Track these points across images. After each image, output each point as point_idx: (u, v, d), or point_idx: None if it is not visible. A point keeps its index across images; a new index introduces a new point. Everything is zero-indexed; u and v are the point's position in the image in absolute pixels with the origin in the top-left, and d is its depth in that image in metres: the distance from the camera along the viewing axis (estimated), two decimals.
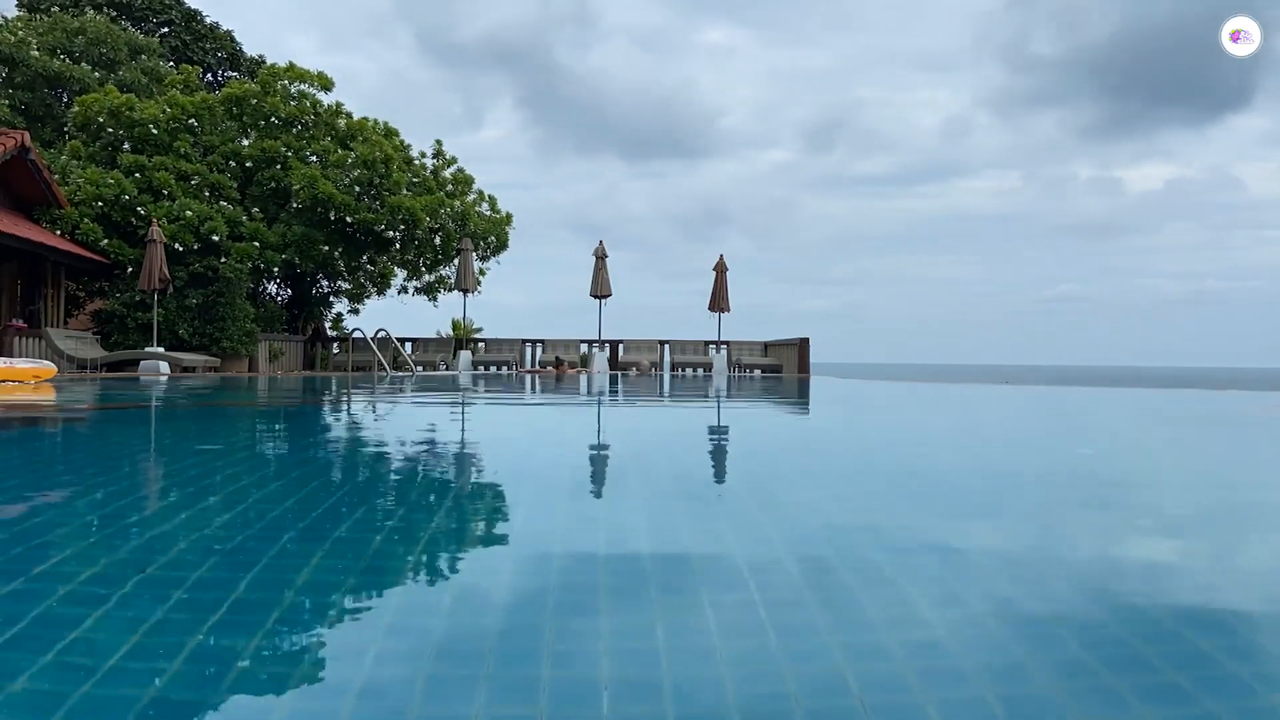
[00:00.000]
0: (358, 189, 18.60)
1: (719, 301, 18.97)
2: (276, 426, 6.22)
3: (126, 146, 18.35)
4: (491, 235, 21.06)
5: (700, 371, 19.20)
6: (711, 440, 5.29)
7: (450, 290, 21.65)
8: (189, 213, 16.83)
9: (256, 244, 17.57)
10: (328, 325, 22.65)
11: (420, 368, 19.00)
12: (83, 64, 22.28)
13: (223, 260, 17.05)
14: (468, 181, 21.13)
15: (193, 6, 28.31)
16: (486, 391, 10.58)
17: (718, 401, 9.01)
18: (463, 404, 8.29)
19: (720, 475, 3.74)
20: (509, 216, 21.66)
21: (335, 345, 20.46)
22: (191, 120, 18.46)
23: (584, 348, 20.33)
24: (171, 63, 25.65)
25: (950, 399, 9.84)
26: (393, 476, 3.50)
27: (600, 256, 19.47)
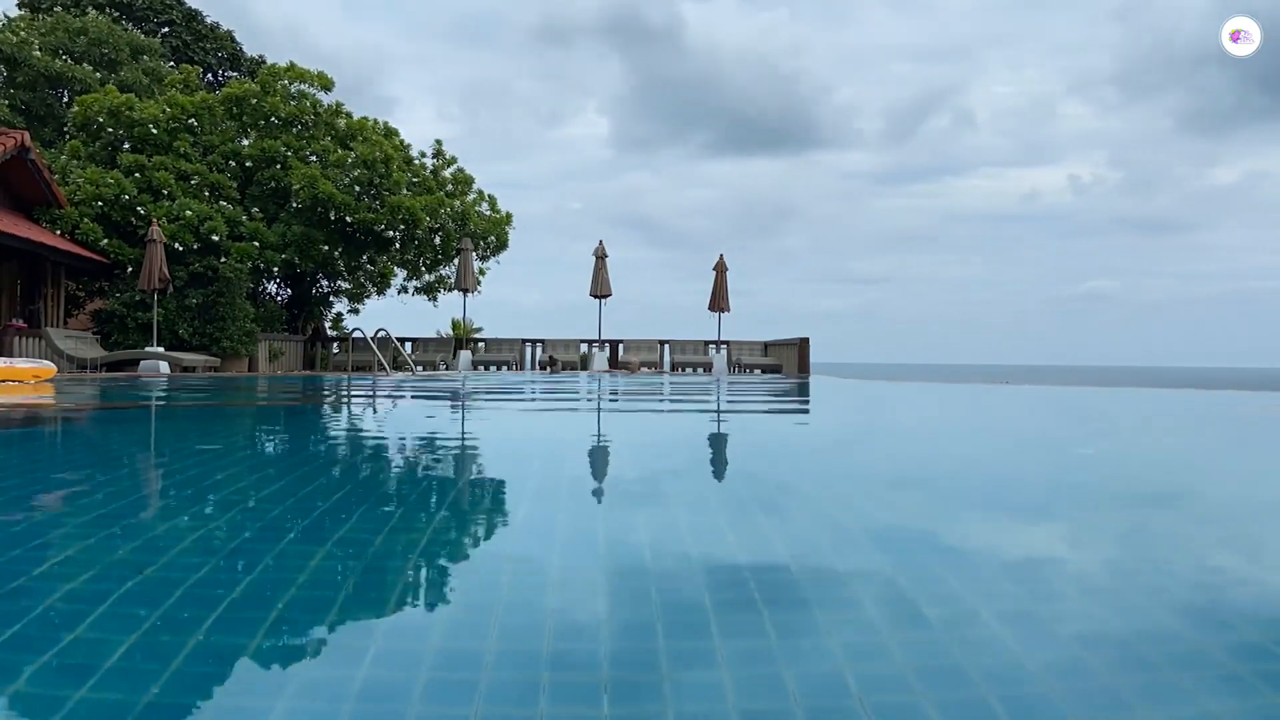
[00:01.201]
0: (358, 189, 18.61)
1: (719, 301, 18.98)
2: (273, 427, 6.22)
3: (126, 146, 18.37)
4: (491, 235, 21.08)
5: (700, 371, 19.20)
6: (718, 445, 5.28)
7: (450, 290, 21.68)
8: (189, 212, 16.84)
9: (256, 244, 17.58)
10: (328, 325, 22.66)
11: (420, 367, 19.01)
12: (84, 64, 22.29)
13: (223, 260, 17.06)
14: (468, 181, 21.14)
15: (194, 7, 28.36)
16: (483, 392, 10.57)
17: (717, 403, 9.00)
18: (463, 406, 8.29)
19: (740, 483, 3.73)
20: (509, 216, 21.68)
21: (335, 345, 20.46)
22: (191, 120, 18.47)
23: (584, 347, 20.32)
24: (172, 63, 25.68)
25: (941, 399, 9.83)
26: (389, 476, 3.50)
27: (600, 256, 19.47)
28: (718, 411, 7.67)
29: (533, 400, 9.07)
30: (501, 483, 3.37)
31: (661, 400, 9.26)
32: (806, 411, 8.06)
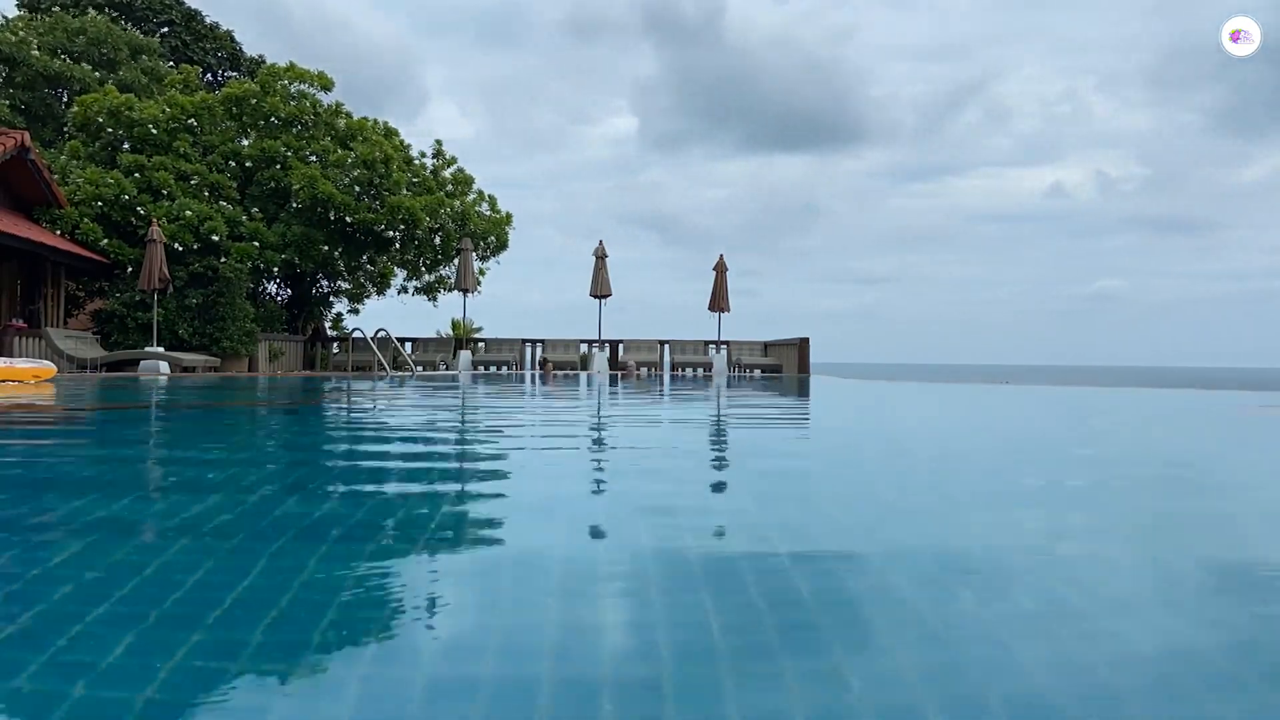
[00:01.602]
0: (358, 189, 18.62)
1: (719, 301, 18.98)
2: (271, 427, 6.22)
3: (126, 146, 18.37)
4: (491, 235, 21.09)
5: (700, 372, 19.20)
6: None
7: (450, 290, 21.69)
8: (189, 213, 16.85)
9: (256, 244, 17.59)
10: (328, 325, 22.66)
11: (420, 368, 19.01)
12: (83, 64, 22.30)
13: (223, 260, 17.06)
14: (468, 181, 21.15)
15: (193, 6, 28.36)
16: (481, 394, 10.58)
17: (717, 403, 8.99)
18: (462, 409, 8.29)
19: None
20: (509, 216, 21.70)
21: (335, 345, 20.47)
22: (191, 120, 18.48)
23: (584, 348, 20.32)
24: (171, 63, 25.68)
25: (929, 399, 9.84)
26: (389, 476, 3.50)
27: (600, 256, 19.47)
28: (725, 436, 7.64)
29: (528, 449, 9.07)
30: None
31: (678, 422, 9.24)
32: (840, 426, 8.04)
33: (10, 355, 13.80)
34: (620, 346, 19.94)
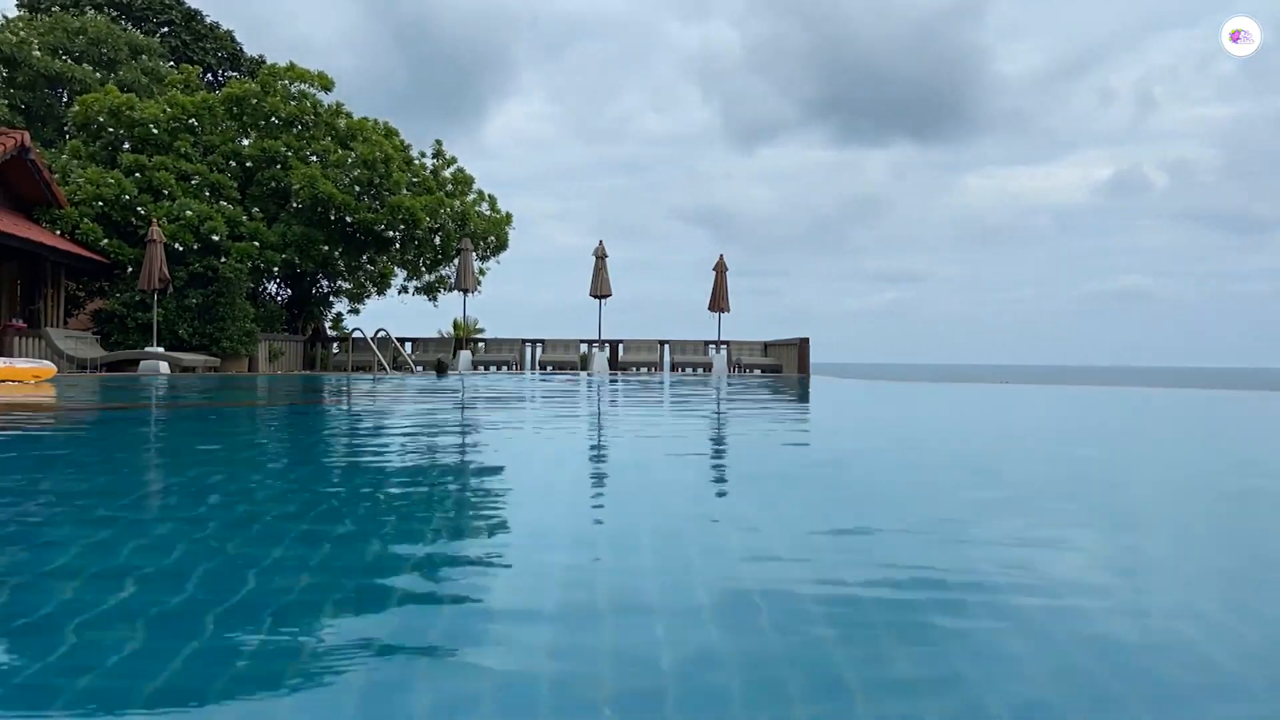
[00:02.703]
0: (358, 189, 18.62)
1: (719, 301, 18.96)
2: (270, 427, 6.22)
3: (126, 146, 18.38)
4: (491, 235, 21.10)
5: (700, 371, 19.19)
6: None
7: (450, 290, 21.72)
8: (189, 212, 16.85)
9: (256, 244, 17.59)
10: (328, 325, 22.67)
11: (420, 368, 19.01)
12: (83, 64, 22.32)
13: (223, 260, 17.07)
14: (468, 181, 21.16)
15: (193, 6, 28.38)
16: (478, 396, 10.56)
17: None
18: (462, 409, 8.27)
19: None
20: (509, 216, 21.71)
21: (335, 345, 20.47)
22: (191, 120, 18.49)
23: (584, 348, 20.31)
24: (171, 63, 25.70)
25: (918, 400, 9.82)
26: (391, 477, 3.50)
27: (600, 256, 19.47)
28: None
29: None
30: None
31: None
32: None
33: (10, 355, 13.81)
34: (620, 346, 19.93)
